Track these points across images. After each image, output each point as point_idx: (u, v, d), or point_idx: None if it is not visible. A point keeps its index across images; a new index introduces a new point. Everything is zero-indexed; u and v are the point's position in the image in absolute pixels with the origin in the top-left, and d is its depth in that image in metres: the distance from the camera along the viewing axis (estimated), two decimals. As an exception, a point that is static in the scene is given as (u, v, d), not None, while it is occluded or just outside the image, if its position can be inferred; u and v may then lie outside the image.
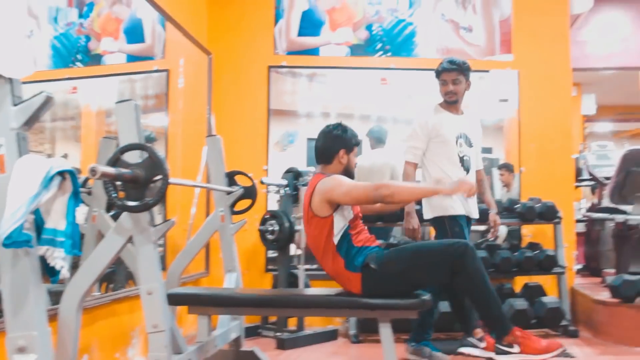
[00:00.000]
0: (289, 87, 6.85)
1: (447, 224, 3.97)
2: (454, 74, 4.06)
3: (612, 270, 6.00)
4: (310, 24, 5.96)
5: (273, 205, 5.59)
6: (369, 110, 7.64)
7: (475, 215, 4.12)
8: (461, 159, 4.06)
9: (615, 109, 11.72)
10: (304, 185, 5.04)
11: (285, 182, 5.14)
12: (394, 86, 6.26)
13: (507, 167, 6.39)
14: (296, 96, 7.34)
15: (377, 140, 6.16)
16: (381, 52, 5.93)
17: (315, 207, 3.21)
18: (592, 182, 7.06)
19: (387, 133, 6.22)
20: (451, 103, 4.12)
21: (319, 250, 3.25)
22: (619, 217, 5.37)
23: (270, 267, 5.70)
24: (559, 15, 6.02)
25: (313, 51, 5.92)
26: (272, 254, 5.61)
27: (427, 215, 4.06)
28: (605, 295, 5.10)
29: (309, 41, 5.94)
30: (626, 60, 7.61)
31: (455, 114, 4.15)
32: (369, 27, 5.97)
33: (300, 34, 5.93)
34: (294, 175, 5.22)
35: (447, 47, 5.93)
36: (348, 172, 3.41)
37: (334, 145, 3.40)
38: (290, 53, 5.91)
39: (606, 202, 5.62)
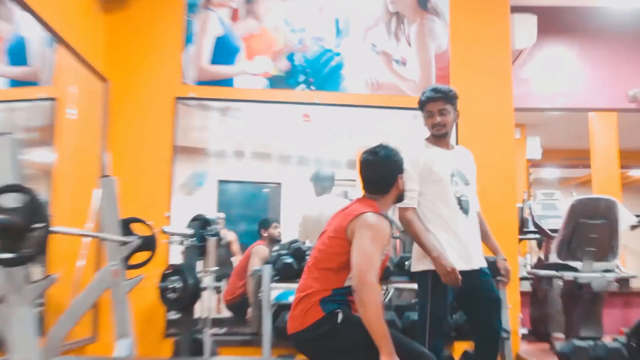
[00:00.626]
0: (198, 122, 6.82)
1: (431, 281, 3.87)
2: (439, 103, 4.05)
3: (562, 335, 6.13)
4: (224, 51, 5.99)
5: (176, 258, 5.50)
6: (289, 150, 7.68)
7: (479, 263, 4.03)
8: (459, 200, 4.02)
9: (562, 153, 12.16)
10: (212, 235, 4.98)
11: (191, 231, 5.08)
12: (317, 124, 6.34)
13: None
14: (206, 132, 7.30)
15: (324, 186, 6.26)
16: (304, 86, 6.00)
17: (350, 234, 3.29)
18: (538, 235, 7.23)
19: (334, 177, 6.32)
20: (440, 137, 4.09)
21: (323, 266, 3.33)
22: (568, 275, 5.50)
23: (170, 331, 5.57)
24: (501, 50, 6.26)
25: (227, 82, 5.94)
26: (173, 315, 5.50)
27: (413, 267, 4.03)
28: (553, 363, 5.21)
29: (222, 70, 5.95)
30: (573, 101, 7.93)
31: (446, 149, 4.14)
32: (290, 57, 6.04)
33: (212, 61, 5.95)
34: (201, 223, 5.16)
35: (377, 82, 6.05)
36: (401, 195, 3.63)
37: (393, 173, 3.53)
38: (200, 83, 5.90)
39: (554, 258, 5.76)
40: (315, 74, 6.02)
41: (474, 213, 4.11)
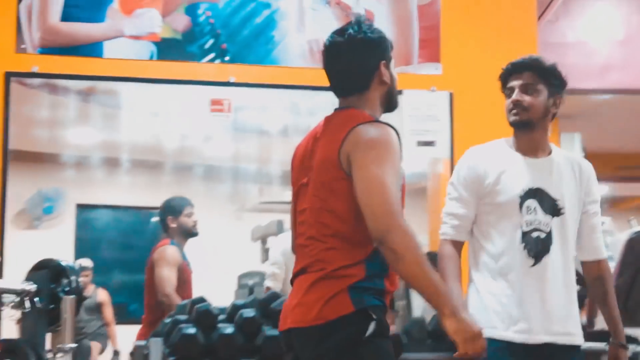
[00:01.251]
0: (45, 113, 6.78)
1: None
2: (526, 75, 4.07)
3: None
4: (85, 1, 5.97)
5: (11, 330, 5.44)
6: (191, 155, 7.67)
7: (555, 337, 4.03)
8: (524, 235, 4.03)
9: (615, 158, 12.39)
10: (69, 291, 4.95)
11: (32, 286, 5.03)
12: (235, 115, 6.33)
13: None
14: (59, 129, 7.26)
15: None
16: (213, 55, 6.01)
17: (347, 163, 3.32)
18: (577, 286, 7.34)
19: None
20: (516, 125, 4.11)
21: (331, 229, 3.36)
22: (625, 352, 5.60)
23: None
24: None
25: (91, 49, 5.92)
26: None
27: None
28: None
29: (83, 31, 5.94)
30: (632, 77, 8.06)
31: (530, 157, 4.14)
32: (191, 10, 6.05)
33: (66, 17, 5.91)
34: (51, 274, 5.12)
35: (330, 49, 6.08)
36: (391, 96, 3.60)
37: (370, 57, 3.53)
38: (48, 51, 5.87)
39: (602, 323, 5.85)
40: (231, 36, 6.03)
41: (561, 260, 4.05)
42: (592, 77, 7.88)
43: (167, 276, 6.39)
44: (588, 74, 7.88)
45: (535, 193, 4.05)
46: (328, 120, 3.56)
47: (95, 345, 9.63)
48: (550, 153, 4.14)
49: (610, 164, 12.11)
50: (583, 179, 4.15)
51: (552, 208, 4.05)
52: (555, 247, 4.00)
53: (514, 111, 4.06)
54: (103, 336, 9.80)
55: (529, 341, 3.81)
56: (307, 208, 3.46)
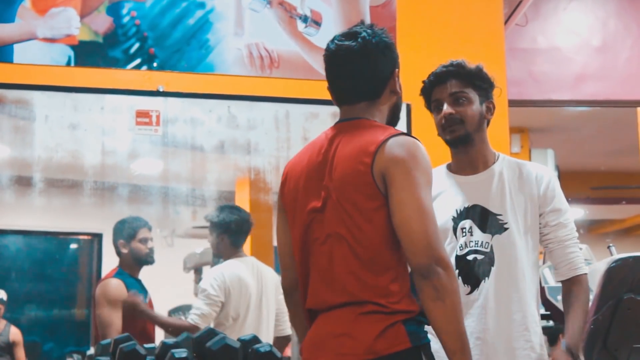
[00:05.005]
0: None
1: None
2: (453, 84, 4.13)
3: None
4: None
5: None
6: (114, 174, 7.65)
7: None
8: (461, 262, 4.09)
9: (591, 177, 12.53)
10: None
11: None
12: (164, 129, 6.35)
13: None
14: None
15: (240, 235, 6.59)
16: (139, 61, 6.03)
17: (381, 180, 3.42)
18: (551, 322, 7.39)
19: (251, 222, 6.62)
20: (454, 142, 4.17)
21: (373, 259, 3.43)
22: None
23: None
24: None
25: (0, 53, 5.90)
26: None
27: None
28: None
29: (-10, 33, 5.93)
30: (610, 89, 8.16)
31: (467, 175, 4.20)
32: (113, 9, 6.06)
33: (-28, 17, 5.92)
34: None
35: (271, 54, 6.12)
36: (397, 109, 3.80)
37: (385, 63, 3.67)
38: (-51, 55, 5.86)
39: (580, 361, 5.91)
40: (160, 40, 6.05)
41: (507, 283, 4.09)
42: (566, 87, 7.98)
43: (107, 319, 6.38)
44: (561, 83, 7.98)
45: (471, 212, 4.13)
46: (338, 133, 3.61)
47: None
48: (493, 164, 4.19)
49: (585, 184, 12.25)
50: (537, 188, 4.16)
51: (493, 225, 4.10)
52: (498, 269, 4.06)
53: (450, 127, 4.13)
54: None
55: None
56: (331, 235, 3.49)
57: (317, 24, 6.25)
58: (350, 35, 3.67)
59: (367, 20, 6.20)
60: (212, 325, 6.25)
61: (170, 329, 6.64)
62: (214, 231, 6.66)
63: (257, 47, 6.16)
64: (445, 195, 4.18)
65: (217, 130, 6.85)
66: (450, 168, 4.26)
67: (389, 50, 3.69)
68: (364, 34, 3.64)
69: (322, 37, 6.20)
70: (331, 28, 6.23)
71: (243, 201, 8.27)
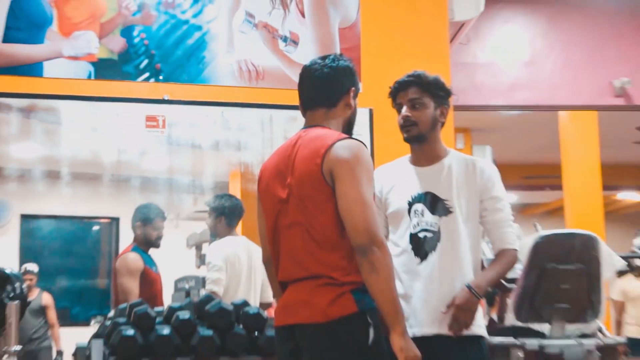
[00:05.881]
0: (-13, 129, 6.72)
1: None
2: (412, 91, 4.17)
3: None
4: (26, 22, 5.93)
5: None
6: (128, 168, 7.63)
7: (443, 329, 3.97)
8: (413, 238, 4.10)
9: (522, 169, 12.55)
10: (14, 297, 4.90)
11: (-24, 294, 4.99)
12: (170, 130, 6.33)
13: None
14: (2, 144, 7.20)
15: (234, 222, 6.63)
16: (147, 75, 6.00)
17: (330, 178, 3.54)
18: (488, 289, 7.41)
19: (242, 207, 6.65)
20: (410, 140, 4.20)
21: (326, 241, 3.54)
22: (531, 343, 5.64)
23: None
24: (433, 22, 6.43)
25: (32, 69, 5.87)
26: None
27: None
28: None
29: (23, 52, 5.89)
30: (537, 96, 8.18)
31: (422, 166, 4.22)
32: (127, 32, 6.03)
33: (8, 38, 5.87)
34: (-5, 280, 5.08)
35: (256, 68, 6.11)
36: (351, 123, 3.87)
37: (343, 80, 3.79)
38: (-10, 71, 5.82)
39: (511, 319, 5.89)
40: (165, 57, 6.02)
41: (450, 255, 4.10)
42: (500, 94, 7.99)
43: (128, 286, 6.39)
44: (497, 92, 7.99)
45: (423, 197, 4.15)
46: (299, 137, 3.72)
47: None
48: (443, 158, 4.22)
49: (517, 174, 12.27)
50: (479, 179, 4.19)
51: (440, 208, 4.13)
52: (443, 244, 4.09)
53: (406, 127, 4.17)
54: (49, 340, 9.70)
55: (416, 335, 3.85)
56: (293, 222, 3.62)
57: (295, 43, 6.24)
58: (321, 57, 3.84)
59: (337, 39, 6.23)
60: (222, 291, 6.28)
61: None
62: (212, 215, 6.66)
63: (245, 62, 6.15)
64: (403, 182, 4.21)
65: (212, 132, 6.85)
66: (410, 160, 4.28)
67: (348, 72, 3.81)
68: (332, 57, 3.81)
69: (300, 54, 6.20)
70: (307, 46, 6.22)
71: (235, 190, 8.26)
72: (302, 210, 3.60)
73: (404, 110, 4.17)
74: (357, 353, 3.49)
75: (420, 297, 4.01)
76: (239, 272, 6.44)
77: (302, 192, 3.60)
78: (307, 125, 3.78)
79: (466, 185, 4.18)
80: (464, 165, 4.23)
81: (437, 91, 4.21)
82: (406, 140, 4.22)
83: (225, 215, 6.58)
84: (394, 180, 4.23)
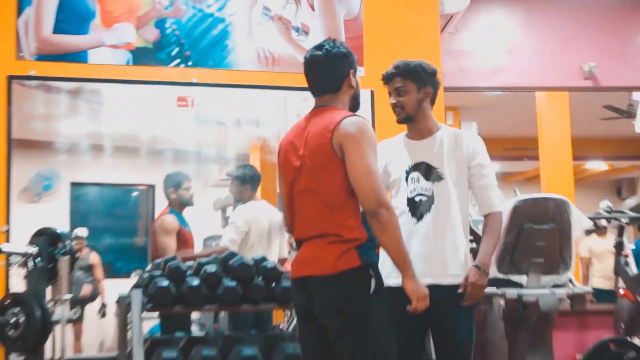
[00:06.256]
0: (41, 108, 6.71)
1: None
2: (396, 80, 4.22)
3: (504, 366, 6.31)
4: (73, 16, 5.92)
5: (17, 285, 5.40)
6: (162, 143, 7.63)
7: (438, 279, 4.03)
8: (410, 202, 4.15)
9: (503, 142, 12.53)
10: (65, 253, 4.92)
11: (34, 250, 5.00)
12: (197, 109, 6.34)
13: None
14: (53, 121, 7.19)
15: (255, 188, 6.61)
16: (178, 61, 5.99)
17: (339, 150, 3.61)
18: (474, 244, 7.40)
19: (260, 176, 6.66)
20: (401, 122, 4.27)
21: (334, 204, 3.63)
22: (510, 292, 5.65)
23: (12, 379, 5.47)
24: (426, 15, 6.42)
25: (78, 56, 5.87)
26: (15, 358, 5.40)
27: (452, 278, 4.11)
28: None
29: (71, 41, 5.88)
30: (516, 79, 8.14)
31: (416, 140, 4.27)
32: (160, 24, 6.02)
33: (57, 30, 5.86)
34: (49, 239, 5.09)
35: (273, 55, 6.10)
36: (357, 98, 3.92)
37: (342, 66, 3.83)
38: (42, 58, 5.81)
39: (493, 272, 5.90)
40: (193, 45, 6.02)
41: (443, 216, 4.15)
42: (484, 77, 7.97)
43: (166, 244, 6.43)
44: (481, 75, 7.97)
45: (418, 166, 4.21)
46: (311, 117, 3.80)
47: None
48: (435, 132, 4.26)
49: (499, 146, 12.25)
50: (466, 149, 4.24)
51: (434, 175, 4.18)
52: (436, 207, 4.14)
53: (396, 111, 4.26)
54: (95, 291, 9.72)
55: (432, 282, 3.88)
56: (306, 188, 3.71)
57: (306, 33, 6.23)
58: (318, 47, 3.88)
59: (342, 30, 6.21)
60: (236, 249, 6.29)
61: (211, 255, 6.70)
62: (235, 182, 6.66)
63: (262, 50, 6.15)
64: (401, 154, 4.27)
65: (235, 110, 6.85)
66: (406, 135, 4.35)
67: (345, 57, 3.84)
68: (327, 46, 3.84)
69: (310, 43, 6.14)
70: (317, 35, 6.21)
71: (255, 161, 8.25)
72: (314, 178, 3.66)
73: (391, 98, 4.26)
74: (360, 300, 3.56)
75: (418, 252, 4.04)
76: (260, 231, 6.44)
77: (314, 162, 3.66)
78: (317, 106, 3.84)
79: (455, 154, 4.22)
80: (453, 137, 4.27)
81: (418, 75, 4.23)
82: (398, 121, 4.29)
83: (247, 182, 6.59)
84: (393, 153, 4.27)
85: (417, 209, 4.15)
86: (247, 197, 6.60)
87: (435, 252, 4.09)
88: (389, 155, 4.26)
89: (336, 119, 3.64)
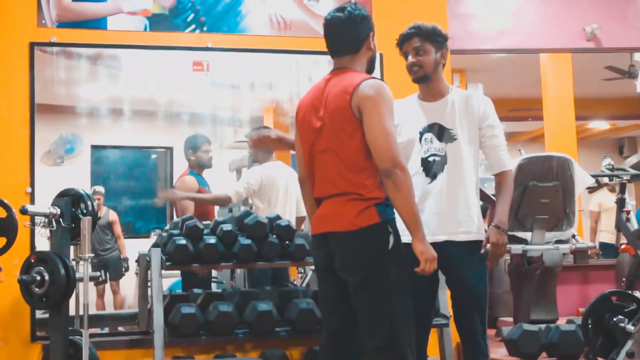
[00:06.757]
0: (62, 74, 6.70)
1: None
2: (414, 40, 4.23)
3: (509, 319, 6.33)
4: (92, -17, 5.90)
5: (42, 244, 5.43)
6: (178, 106, 7.62)
7: (452, 236, 4.08)
8: (424, 162, 4.18)
9: (508, 102, 12.45)
10: (87, 213, 4.93)
11: (58, 210, 5.01)
12: (212, 73, 6.32)
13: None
14: (74, 86, 7.18)
15: (270, 150, 6.53)
16: (194, 26, 5.96)
17: (357, 112, 3.64)
18: (480, 202, 7.42)
19: None
20: (418, 82, 4.27)
21: (353, 164, 3.66)
22: (515, 248, 5.67)
23: (39, 334, 5.51)
24: (433, -21, 6.35)
25: (97, 23, 5.84)
26: (41, 314, 5.44)
27: (466, 235, 4.15)
28: (501, 352, 5.37)
29: (90, 9, 5.85)
30: (520, 41, 8.11)
31: (429, 101, 4.28)
32: (176, -9, 6.00)
33: (77, -3, 5.85)
34: (72, 200, 5.10)
35: (285, 20, 6.07)
36: (373, 61, 3.98)
37: (362, 28, 3.86)
38: (62, 25, 5.78)
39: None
40: (208, 11, 5.98)
41: (456, 175, 4.17)
42: (490, 40, 7.95)
43: (185, 204, 6.50)
44: (487, 37, 7.95)
45: (431, 128, 4.23)
46: (330, 78, 3.83)
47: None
48: (447, 94, 4.28)
49: (504, 107, 12.16)
50: (477, 110, 4.25)
51: (446, 136, 4.19)
52: (449, 166, 4.16)
53: (412, 70, 4.25)
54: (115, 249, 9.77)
55: (431, 241, 3.80)
56: (326, 148, 3.73)
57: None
58: (339, 9, 3.88)
59: (352, -6, 6.18)
60: (241, 203, 6.34)
61: (212, 201, 6.73)
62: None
63: (275, 15, 6.11)
64: (414, 116, 4.27)
65: (248, 73, 6.83)
66: (419, 96, 4.35)
67: (366, 20, 3.88)
68: (349, 8, 3.85)
69: (320, 7, 6.14)
70: (327, 1, 6.17)
71: (268, 122, 8.24)
72: (333, 139, 3.69)
73: (410, 57, 4.25)
74: (379, 255, 3.61)
75: (431, 210, 4.09)
76: (276, 191, 6.46)
77: (334, 123, 3.69)
78: (336, 68, 3.85)
79: (466, 116, 4.23)
80: (464, 99, 4.28)
81: (436, 37, 4.26)
82: (414, 81, 4.29)
83: None
84: (406, 114, 4.26)
85: (430, 168, 4.17)
86: (264, 158, 6.60)
87: (448, 210, 4.12)
88: (401, 116, 4.22)
89: (355, 81, 3.67)
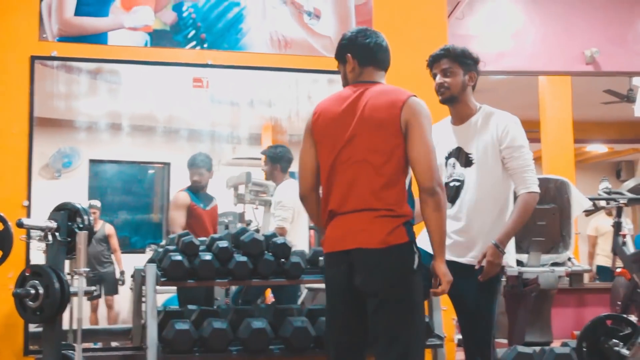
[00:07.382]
0: (62, 88, 6.72)
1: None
2: (444, 62, 4.25)
3: (504, 341, 6.31)
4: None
5: (37, 258, 5.42)
6: (177, 122, 7.63)
7: (456, 257, 4.14)
8: (447, 186, 4.19)
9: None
10: (83, 228, 4.93)
11: (54, 224, 5.01)
12: (212, 90, 6.34)
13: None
14: (74, 100, 7.19)
15: (287, 164, 6.67)
16: (194, 43, 5.98)
17: (405, 126, 3.65)
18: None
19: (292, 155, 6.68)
20: (444, 102, 4.30)
21: (391, 178, 3.63)
22: (511, 270, 5.65)
23: (32, 348, 5.50)
24: (434, 0, 6.36)
25: (98, 38, 5.85)
26: (35, 328, 5.42)
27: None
28: (494, 374, 5.35)
29: (92, 23, 5.86)
30: (520, 63, 8.16)
31: (455, 124, 4.33)
32: (177, 7, 5.99)
33: (78, 12, 5.84)
34: (68, 213, 5.09)
35: (286, 38, 6.08)
36: None
37: (388, 52, 3.99)
38: (64, 39, 5.80)
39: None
40: (209, 28, 6.00)
41: (474, 200, 4.20)
42: (490, 61, 7.97)
43: (173, 217, 6.65)
44: (487, 59, 7.91)
45: (456, 152, 4.28)
46: (361, 89, 3.79)
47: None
48: (472, 116, 4.29)
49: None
50: (495, 130, 4.22)
51: (466, 161, 4.23)
52: (465, 191, 4.20)
53: (440, 91, 4.26)
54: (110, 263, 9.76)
55: (453, 259, 4.00)
56: (360, 160, 3.68)
57: (318, 17, 6.20)
58: (373, 32, 4.01)
59: (353, 14, 6.18)
60: (289, 226, 6.37)
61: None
62: (268, 162, 6.71)
63: (276, 33, 6.12)
64: (443, 139, 4.32)
65: (248, 91, 6.86)
66: (450, 120, 4.40)
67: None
68: (377, 33, 4.00)
69: (321, 27, 6.16)
70: (328, 20, 6.18)
71: (267, 140, 8.27)
72: (371, 151, 3.66)
73: (438, 78, 4.28)
74: (405, 275, 3.61)
75: (454, 233, 4.16)
76: (297, 208, 6.47)
77: (374, 135, 3.66)
78: (365, 80, 3.84)
79: (481, 136, 4.25)
80: (488, 121, 4.28)
81: (464, 60, 4.28)
82: (441, 102, 4.33)
83: (277, 162, 6.61)
84: (437, 137, 4.15)
85: (450, 194, 4.20)
86: (278, 177, 6.62)
87: (468, 231, 4.17)
88: (434, 139, 4.22)
89: (402, 96, 3.69)
